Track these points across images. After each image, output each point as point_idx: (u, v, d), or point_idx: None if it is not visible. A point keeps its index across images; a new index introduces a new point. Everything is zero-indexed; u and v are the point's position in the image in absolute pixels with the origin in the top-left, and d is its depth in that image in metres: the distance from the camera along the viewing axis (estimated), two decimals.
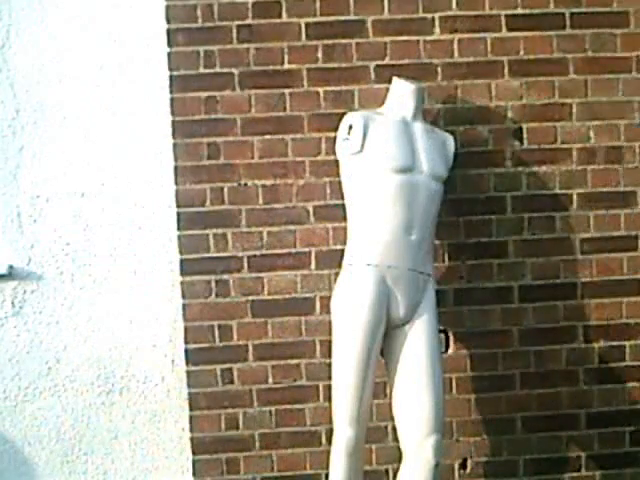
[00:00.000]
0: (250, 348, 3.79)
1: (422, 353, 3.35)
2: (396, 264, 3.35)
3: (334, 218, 3.74)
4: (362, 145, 3.38)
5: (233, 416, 3.80)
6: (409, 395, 3.35)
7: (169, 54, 3.76)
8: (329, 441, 3.54)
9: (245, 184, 3.78)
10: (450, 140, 3.59)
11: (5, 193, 3.90)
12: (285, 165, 3.78)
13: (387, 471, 3.81)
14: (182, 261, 3.79)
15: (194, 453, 3.81)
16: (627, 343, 3.85)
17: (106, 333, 3.92)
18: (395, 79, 3.53)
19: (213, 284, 3.78)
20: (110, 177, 3.91)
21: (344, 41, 3.78)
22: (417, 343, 3.37)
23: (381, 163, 3.35)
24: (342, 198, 3.51)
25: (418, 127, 3.48)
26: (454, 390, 3.81)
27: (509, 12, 3.81)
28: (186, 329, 3.79)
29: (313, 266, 3.79)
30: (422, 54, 3.79)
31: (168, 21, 3.76)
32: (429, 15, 3.79)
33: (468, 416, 3.83)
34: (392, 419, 3.46)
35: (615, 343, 3.82)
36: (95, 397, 3.93)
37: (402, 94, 3.50)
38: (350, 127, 3.41)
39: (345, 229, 3.49)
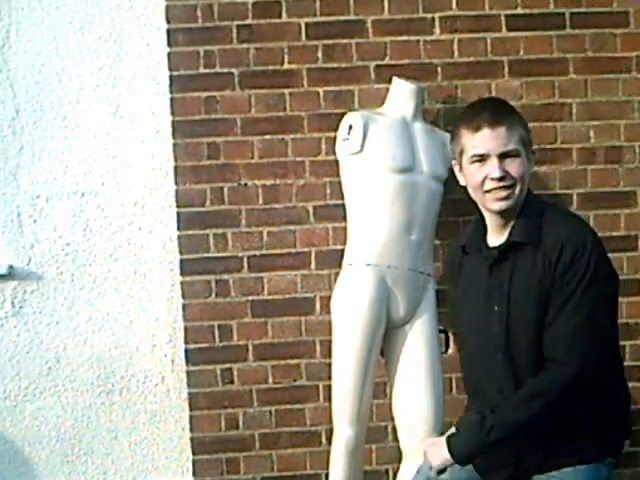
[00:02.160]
0: (250, 348, 3.78)
1: (421, 353, 3.36)
2: (396, 264, 3.34)
3: (334, 218, 3.74)
4: (362, 145, 3.38)
5: (233, 416, 3.80)
6: (409, 395, 3.36)
7: (169, 54, 3.76)
8: (329, 441, 3.54)
9: (245, 184, 3.78)
10: (447, 140, 3.58)
11: (5, 193, 3.90)
12: (285, 165, 3.78)
13: (387, 471, 3.81)
14: (182, 261, 3.78)
15: (194, 453, 3.80)
16: (627, 343, 3.84)
17: (106, 333, 3.92)
18: (395, 79, 3.53)
19: (213, 284, 3.77)
20: (110, 177, 3.91)
21: (344, 41, 3.78)
22: (417, 343, 3.37)
23: (381, 163, 3.35)
24: (342, 198, 3.51)
25: (418, 127, 3.48)
26: (454, 390, 3.80)
27: (509, 12, 3.80)
28: (186, 329, 3.79)
29: (313, 266, 3.78)
30: (422, 54, 3.79)
31: (168, 21, 3.76)
32: (429, 15, 3.79)
33: None
34: (392, 419, 3.47)
35: None
36: (95, 397, 3.93)
37: (402, 94, 3.50)
38: (350, 127, 3.41)
39: (345, 229, 3.49)
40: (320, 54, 3.78)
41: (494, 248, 2.54)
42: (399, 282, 3.36)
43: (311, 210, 3.78)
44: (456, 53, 3.78)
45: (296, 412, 3.81)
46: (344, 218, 3.50)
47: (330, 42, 3.78)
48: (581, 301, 2.37)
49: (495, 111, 2.48)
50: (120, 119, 3.90)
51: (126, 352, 3.93)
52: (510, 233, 2.48)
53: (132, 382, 3.94)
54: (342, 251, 3.47)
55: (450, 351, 3.82)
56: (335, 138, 3.52)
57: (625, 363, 3.85)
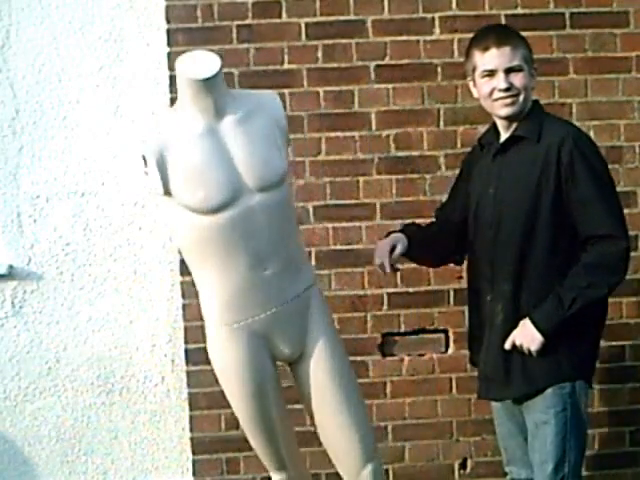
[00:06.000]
0: None
1: (327, 382, 2.91)
2: (259, 311, 2.84)
3: (334, 218, 3.74)
4: (164, 186, 2.73)
5: (233, 416, 3.75)
6: (331, 430, 2.94)
7: (169, 54, 3.76)
8: None
9: None
10: (272, 103, 2.90)
11: (5, 193, 3.90)
12: None
13: (387, 471, 3.80)
14: (182, 261, 3.77)
15: (194, 453, 3.81)
16: (627, 343, 3.85)
17: (106, 333, 3.92)
18: (179, 75, 2.78)
19: None
20: (110, 177, 3.91)
21: (344, 41, 3.78)
22: (318, 373, 2.91)
23: (195, 207, 2.72)
24: (342, 198, 3.51)
25: (228, 123, 2.78)
26: (454, 390, 3.81)
27: (509, 12, 3.81)
28: (186, 329, 3.79)
29: (313, 266, 3.78)
30: (422, 54, 3.79)
31: (168, 21, 3.76)
32: (429, 15, 3.79)
33: (468, 416, 3.82)
34: (392, 419, 3.46)
35: (615, 343, 3.82)
36: (95, 397, 3.93)
37: (194, 93, 2.76)
38: (144, 159, 2.75)
39: (345, 229, 3.49)
40: (320, 54, 3.78)
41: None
42: (272, 325, 2.86)
43: (311, 210, 3.78)
44: (456, 53, 3.78)
45: (296, 412, 3.80)
46: (344, 218, 3.50)
47: (330, 42, 3.78)
48: (602, 182, 2.80)
49: (501, 33, 2.92)
50: (120, 119, 3.91)
51: (126, 352, 3.93)
52: (515, 129, 2.91)
53: (132, 382, 3.94)
54: (342, 251, 3.47)
55: (450, 351, 3.83)
56: (335, 138, 3.51)
57: (625, 363, 3.89)
